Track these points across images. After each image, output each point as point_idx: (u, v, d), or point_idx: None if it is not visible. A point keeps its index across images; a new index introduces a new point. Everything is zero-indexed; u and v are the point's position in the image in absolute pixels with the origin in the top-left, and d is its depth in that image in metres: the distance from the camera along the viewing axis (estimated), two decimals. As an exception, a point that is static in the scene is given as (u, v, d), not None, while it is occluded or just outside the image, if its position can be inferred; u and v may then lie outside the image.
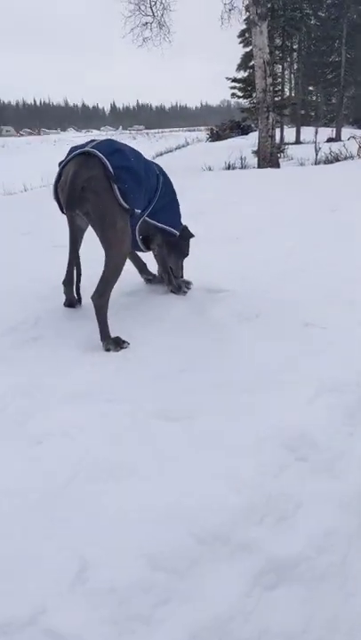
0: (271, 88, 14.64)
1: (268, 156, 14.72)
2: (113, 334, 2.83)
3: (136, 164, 2.85)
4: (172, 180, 3.39)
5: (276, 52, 27.87)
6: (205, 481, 1.79)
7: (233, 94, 24.96)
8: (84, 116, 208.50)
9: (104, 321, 2.77)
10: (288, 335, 2.92)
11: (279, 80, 27.57)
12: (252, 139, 20.26)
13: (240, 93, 24.73)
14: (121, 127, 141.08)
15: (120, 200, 2.73)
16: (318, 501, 1.83)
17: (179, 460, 1.89)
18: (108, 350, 2.72)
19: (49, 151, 47.15)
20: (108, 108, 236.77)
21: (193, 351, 2.72)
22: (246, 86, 23.76)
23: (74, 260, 3.08)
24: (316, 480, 1.92)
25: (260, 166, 14.67)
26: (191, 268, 4.14)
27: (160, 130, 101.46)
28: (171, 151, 33.31)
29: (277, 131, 27.94)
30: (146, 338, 2.85)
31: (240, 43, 27.61)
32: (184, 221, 3.64)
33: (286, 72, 33.58)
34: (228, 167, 15.68)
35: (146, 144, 52.00)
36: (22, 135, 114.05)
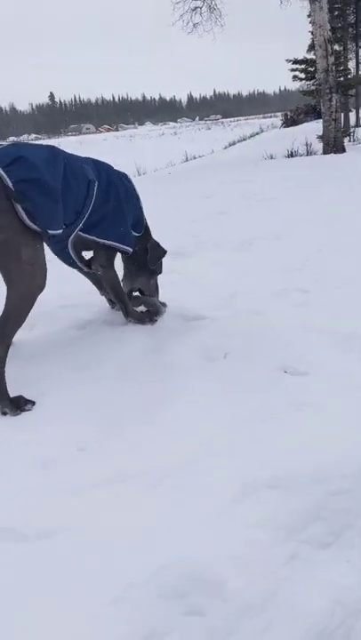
0: (334, 67, 13.52)
1: (333, 141, 13.65)
2: (31, 382, 2.27)
3: (47, 174, 2.23)
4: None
5: (350, 30, 26.10)
6: None
7: (295, 77, 23.43)
8: (161, 109, 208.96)
9: (0, 378, 2.19)
10: (251, 389, 2.22)
11: (351, 57, 25.67)
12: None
13: (302, 75, 23.20)
14: (198, 117, 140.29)
15: (27, 222, 2.14)
16: None
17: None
18: (4, 414, 2.14)
19: (122, 147, 47.55)
20: (185, 100, 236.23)
21: (112, 415, 2.08)
22: (308, 67, 22.22)
23: None
24: (206, 655, 1.26)
25: (324, 152, 13.64)
26: (181, 283, 3.52)
27: (236, 118, 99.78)
28: (244, 139, 32.40)
29: (353, 112, 26.27)
30: (65, 392, 2.24)
31: (310, 23, 26.07)
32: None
33: (362, 49, 31.47)
34: (291, 154, 14.74)
35: (220, 133, 51.26)
36: (101, 132, 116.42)
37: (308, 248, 4.20)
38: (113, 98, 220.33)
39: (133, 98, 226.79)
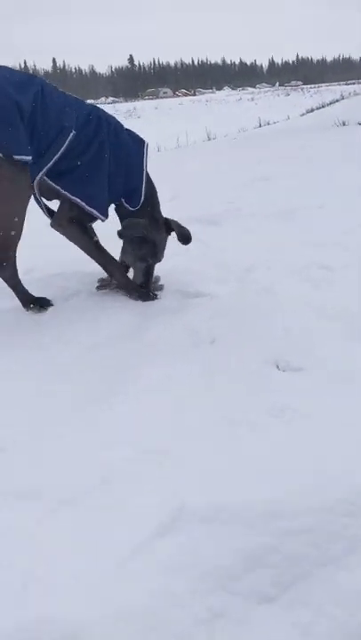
0: None
1: None
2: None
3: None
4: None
5: None
6: None
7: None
8: (240, 74, 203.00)
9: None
10: (230, 385, 1.84)
11: None
12: None
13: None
14: (277, 83, 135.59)
15: None
16: None
17: None
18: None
19: (198, 111, 46.56)
20: (266, 65, 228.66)
21: (57, 407, 1.77)
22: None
23: None
24: None
25: None
26: (199, 253, 3.17)
27: (316, 85, 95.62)
28: (323, 106, 30.96)
29: None
30: (17, 375, 1.97)
31: None
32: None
33: None
34: (365, 121, 13.80)
35: (299, 100, 49.22)
36: (178, 96, 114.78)
37: (351, 221, 3.71)
38: (192, 61, 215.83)
39: (213, 61, 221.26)
